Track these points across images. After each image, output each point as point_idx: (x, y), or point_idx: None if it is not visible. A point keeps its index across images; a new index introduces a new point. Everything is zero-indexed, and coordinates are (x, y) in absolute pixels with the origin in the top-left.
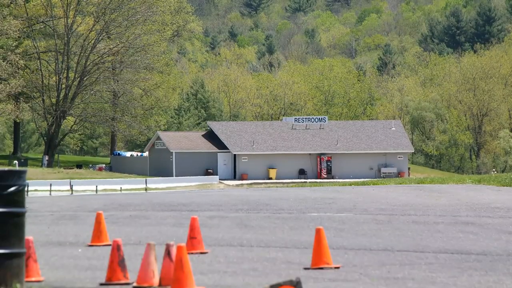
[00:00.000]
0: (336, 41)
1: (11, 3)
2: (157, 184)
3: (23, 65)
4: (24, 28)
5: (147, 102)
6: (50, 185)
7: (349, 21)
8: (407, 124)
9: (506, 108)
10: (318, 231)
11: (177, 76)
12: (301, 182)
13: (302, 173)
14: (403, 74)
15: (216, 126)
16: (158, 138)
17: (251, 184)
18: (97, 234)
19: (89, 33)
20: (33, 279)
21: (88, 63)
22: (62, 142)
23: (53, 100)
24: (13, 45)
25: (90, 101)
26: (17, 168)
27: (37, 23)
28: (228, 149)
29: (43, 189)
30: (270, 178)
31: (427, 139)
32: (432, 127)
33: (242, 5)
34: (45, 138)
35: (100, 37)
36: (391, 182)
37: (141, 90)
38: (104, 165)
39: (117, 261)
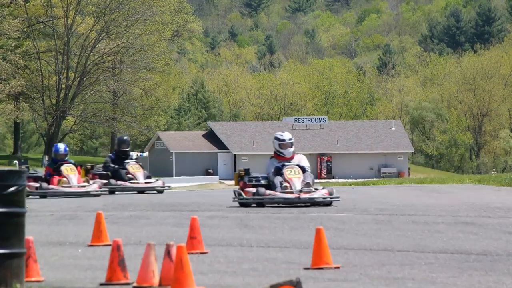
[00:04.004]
0: (336, 41)
1: (11, 3)
2: None
3: (23, 65)
4: (24, 28)
5: (147, 102)
6: None
7: (349, 21)
8: (407, 124)
9: (506, 108)
10: (318, 231)
11: (177, 76)
12: None
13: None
14: (403, 74)
15: (216, 126)
16: (158, 138)
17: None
18: (97, 234)
19: (89, 33)
20: (33, 279)
21: (88, 63)
22: (62, 142)
23: (53, 100)
24: (13, 45)
25: (90, 101)
26: (17, 168)
27: (37, 23)
28: (228, 149)
29: None
30: None
31: (427, 139)
32: (432, 127)
33: (242, 5)
34: (45, 138)
35: (100, 37)
36: (391, 182)
37: (141, 90)
38: None
39: (117, 261)
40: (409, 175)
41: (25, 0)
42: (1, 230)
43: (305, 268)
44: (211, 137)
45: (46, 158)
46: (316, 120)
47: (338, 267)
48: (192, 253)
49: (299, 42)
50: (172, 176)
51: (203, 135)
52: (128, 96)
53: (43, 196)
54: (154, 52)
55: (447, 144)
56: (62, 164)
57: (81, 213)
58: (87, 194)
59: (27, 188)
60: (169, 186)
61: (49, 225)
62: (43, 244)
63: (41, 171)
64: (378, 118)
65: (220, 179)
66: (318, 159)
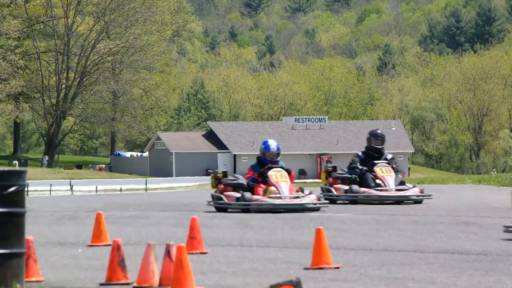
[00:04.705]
0: (336, 41)
1: (11, 3)
2: (157, 184)
3: (23, 65)
4: (24, 28)
5: (147, 102)
6: (50, 185)
7: (349, 21)
8: (407, 124)
9: (506, 108)
10: (318, 231)
11: (177, 76)
12: (301, 182)
13: (302, 173)
14: (403, 74)
15: (216, 126)
16: (158, 138)
17: None
18: (97, 234)
19: (89, 33)
20: (33, 279)
21: (88, 63)
22: (62, 142)
23: (53, 100)
24: (13, 45)
25: (90, 101)
26: (17, 168)
27: (37, 23)
28: (228, 149)
29: (43, 189)
30: None
31: (427, 139)
32: (432, 127)
33: (242, 5)
34: (45, 138)
35: (100, 37)
36: None
37: (141, 90)
38: (104, 165)
39: (117, 261)
40: (409, 175)
41: (25, 0)
42: (1, 230)
43: (305, 268)
44: (211, 137)
45: (46, 158)
46: (316, 120)
47: (338, 267)
48: (192, 253)
49: (299, 42)
50: (172, 176)
51: (203, 135)
52: (128, 96)
53: (246, 209)
54: (154, 52)
55: (447, 144)
56: (270, 168)
57: (81, 213)
58: (301, 207)
59: (226, 200)
60: (429, 195)
61: (49, 225)
62: (43, 244)
63: (242, 178)
64: (378, 118)
65: None
66: (318, 159)
